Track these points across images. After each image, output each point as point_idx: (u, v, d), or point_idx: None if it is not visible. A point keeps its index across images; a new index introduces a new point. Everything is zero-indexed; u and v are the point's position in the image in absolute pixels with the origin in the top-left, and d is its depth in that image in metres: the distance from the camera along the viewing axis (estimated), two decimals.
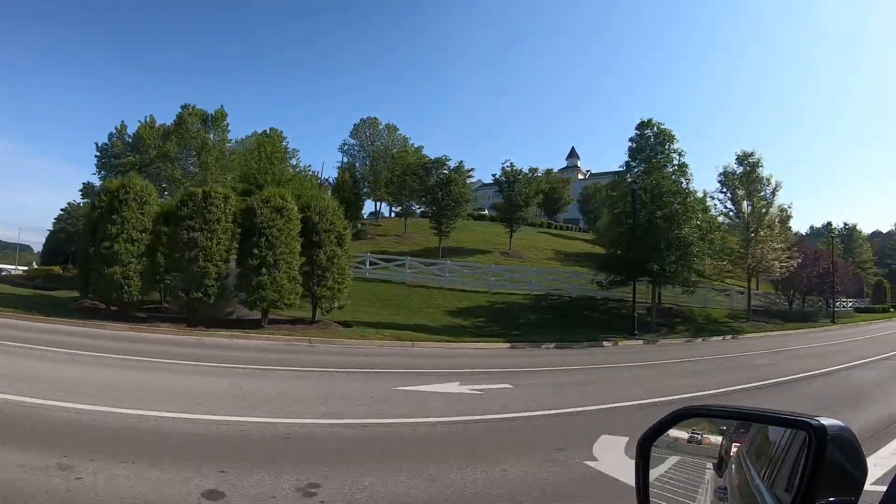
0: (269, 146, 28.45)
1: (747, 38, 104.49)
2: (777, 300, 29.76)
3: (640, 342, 18.58)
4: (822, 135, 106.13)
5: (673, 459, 1.26)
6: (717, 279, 25.95)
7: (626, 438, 4.77)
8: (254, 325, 15.17)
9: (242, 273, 14.89)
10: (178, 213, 15.21)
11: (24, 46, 60.53)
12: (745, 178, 24.04)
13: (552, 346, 16.19)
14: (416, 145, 33.82)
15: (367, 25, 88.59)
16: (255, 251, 14.62)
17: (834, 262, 29.35)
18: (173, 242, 14.94)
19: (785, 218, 39.87)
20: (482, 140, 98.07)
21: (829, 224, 42.23)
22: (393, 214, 37.04)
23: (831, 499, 0.82)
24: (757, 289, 30.54)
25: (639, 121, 21.40)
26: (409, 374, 9.70)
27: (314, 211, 15.77)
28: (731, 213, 24.29)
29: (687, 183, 20.59)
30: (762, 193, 24.36)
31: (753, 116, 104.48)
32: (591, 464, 4.24)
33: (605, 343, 17.64)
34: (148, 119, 23.99)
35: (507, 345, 15.51)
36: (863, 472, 0.85)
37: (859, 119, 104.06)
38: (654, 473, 1.16)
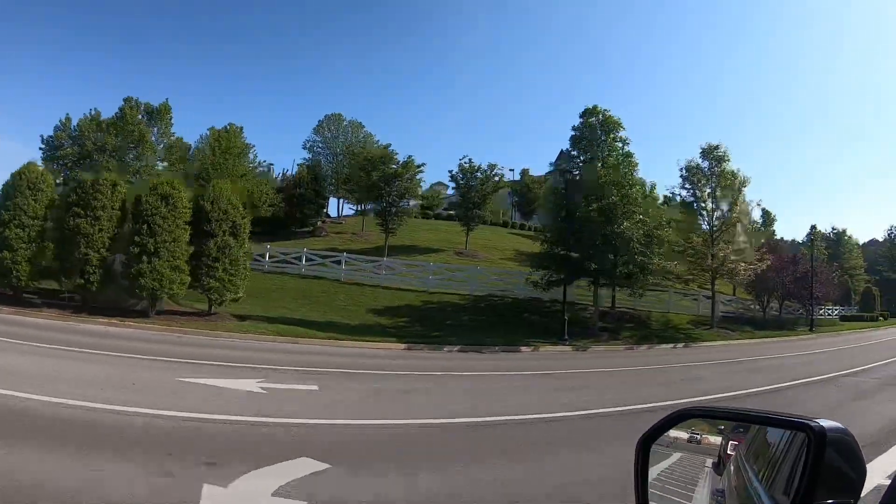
0: (224, 141, 28.65)
1: (762, 43, 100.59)
2: (752, 306, 27.75)
3: (569, 348, 17.36)
4: (826, 144, 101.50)
5: (672, 459, 1.27)
6: (680, 282, 24.30)
7: (326, 466, 4.08)
8: (142, 314, 14.91)
9: (126, 261, 14.67)
10: (67, 200, 15.18)
11: (27, 46, 63.89)
12: (710, 172, 22.48)
13: (456, 349, 15.23)
14: (380, 143, 33.36)
15: (363, 26, 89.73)
16: (137, 238, 14.40)
17: (813, 265, 27.15)
18: (62, 229, 14.89)
19: (770, 220, 37.85)
20: (481, 144, 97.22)
21: (814, 227, 39.98)
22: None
23: (829, 501, 0.82)
24: (733, 294, 28.62)
25: (584, 108, 20.26)
26: (225, 368, 9.42)
27: (206, 199, 15.43)
28: (692, 210, 22.66)
29: (632, 173, 19.24)
30: (737, 191, 22.69)
31: (762, 125, 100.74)
32: (209, 488, 3.46)
33: (524, 348, 16.54)
34: (92, 112, 24.56)
35: (403, 346, 14.69)
36: (862, 474, 0.85)
37: (861, 126, 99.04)
38: (652, 472, 1.18)
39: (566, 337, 17.89)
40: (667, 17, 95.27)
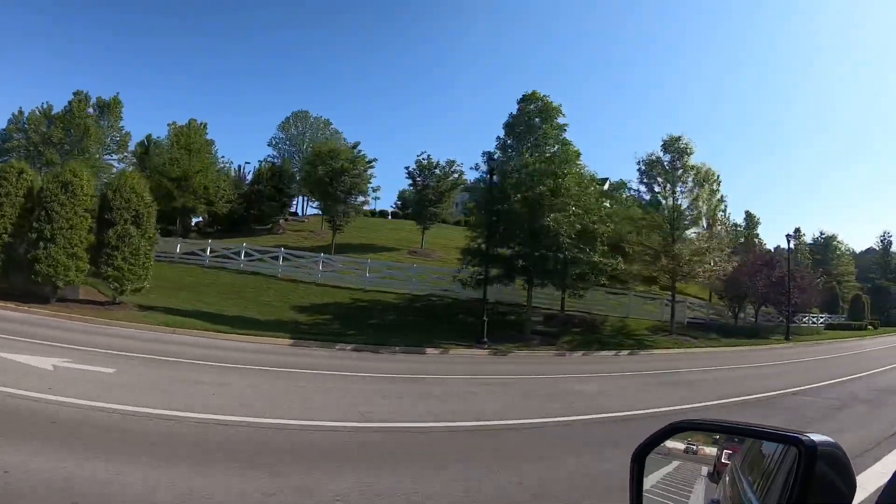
0: (184, 137, 30.01)
1: (770, 51, 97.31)
2: (726, 312, 26.55)
3: (485, 352, 17.13)
4: (826, 153, 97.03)
5: (668, 469, 1.33)
6: (643, 284, 23.58)
7: None
8: (44, 300, 15.80)
9: (26, 247, 15.60)
10: None
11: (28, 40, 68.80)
12: (671, 166, 21.86)
13: (349, 348, 15.34)
14: (348, 141, 33.99)
15: (360, 25, 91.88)
16: (35, 224, 15.30)
17: (790, 269, 25.74)
18: None
19: (754, 223, 36.19)
20: (478, 145, 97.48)
21: (798, 230, 37.78)
22: None
23: None
24: (708, 299, 27.50)
25: (521, 94, 20.09)
26: (47, 347, 9.81)
27: (110, 187, 16.27)
28: (652, 206, 22.04)
29: (568, 162, 18.94)
30: (699, 185, 21.98)
31: (762, 132, 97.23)
32: None
33: (430, 350, 16.44)
34: (44, 105, 26.30)
35: (290, 342, 14.91)
36: (852, 487, 0.89)
37: (863, 135, 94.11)
38: (649, 481, 1.24)
39: (485, 340, 17.66)
40: (667, 20, 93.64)
